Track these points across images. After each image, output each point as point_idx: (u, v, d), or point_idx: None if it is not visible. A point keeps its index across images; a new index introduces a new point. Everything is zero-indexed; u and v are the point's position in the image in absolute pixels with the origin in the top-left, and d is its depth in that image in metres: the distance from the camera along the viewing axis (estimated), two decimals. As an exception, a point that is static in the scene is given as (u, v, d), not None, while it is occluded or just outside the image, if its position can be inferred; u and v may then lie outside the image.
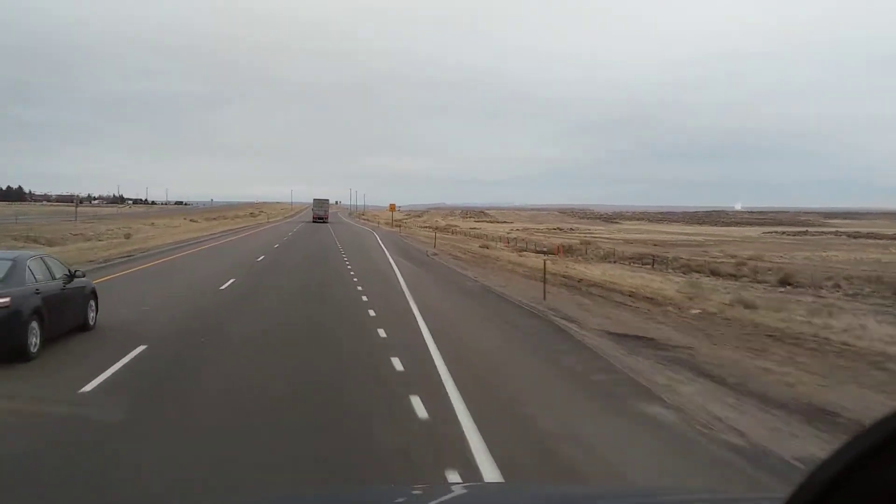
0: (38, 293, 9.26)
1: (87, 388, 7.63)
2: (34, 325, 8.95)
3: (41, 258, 10.38)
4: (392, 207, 79.86)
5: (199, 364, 9.13)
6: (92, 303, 11.21)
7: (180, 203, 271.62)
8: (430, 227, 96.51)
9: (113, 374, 8.23)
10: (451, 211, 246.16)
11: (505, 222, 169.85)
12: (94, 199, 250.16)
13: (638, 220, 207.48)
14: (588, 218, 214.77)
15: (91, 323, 11.11)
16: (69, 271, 10.71)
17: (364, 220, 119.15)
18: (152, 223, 65.60)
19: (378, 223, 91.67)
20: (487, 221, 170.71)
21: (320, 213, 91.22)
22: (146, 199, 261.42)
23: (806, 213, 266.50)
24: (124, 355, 9.10)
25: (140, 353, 9.30)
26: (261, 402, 7.34)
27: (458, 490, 3.26)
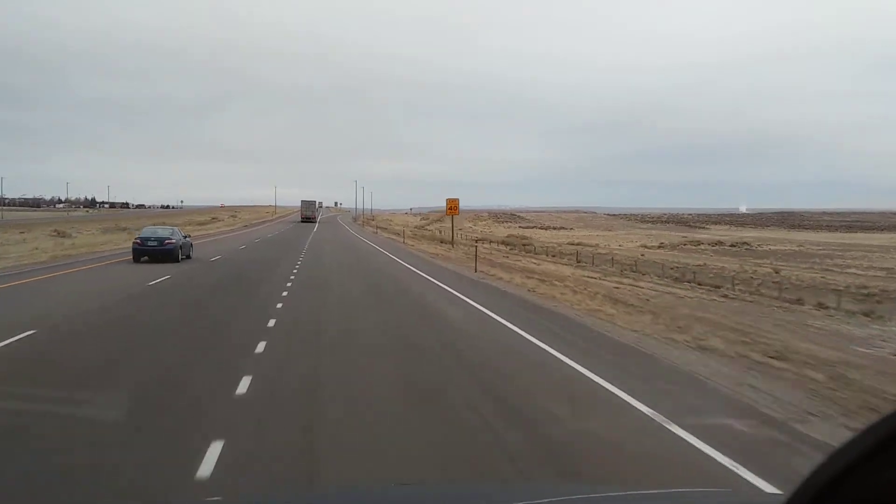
0: (179, 240, 27.15)
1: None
2: (180, 250, 26.84)
3: (178, 229, 28.33)
4: (453, 206, 48.90)
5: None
6: (191, 248, 28.93)
7: (157, 206, 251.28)
8: (495, 242, 67.73)
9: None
10: (476, 214, 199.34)
11: (563, 228, 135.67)
12: (61, 202, 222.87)
13: (717, 223, 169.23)
14: (650, 222, 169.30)
15: (191, 256, 28.73)
16: (184, 235, 28.47)
17: (381, 229, 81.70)
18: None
19: (447, 245, 50.27)
20: (541, 228, 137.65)
21: (308, 213, 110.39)
22: (126, 203, 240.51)
23: (893, 214, 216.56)
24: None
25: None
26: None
27: (457, 490, 3.35)
